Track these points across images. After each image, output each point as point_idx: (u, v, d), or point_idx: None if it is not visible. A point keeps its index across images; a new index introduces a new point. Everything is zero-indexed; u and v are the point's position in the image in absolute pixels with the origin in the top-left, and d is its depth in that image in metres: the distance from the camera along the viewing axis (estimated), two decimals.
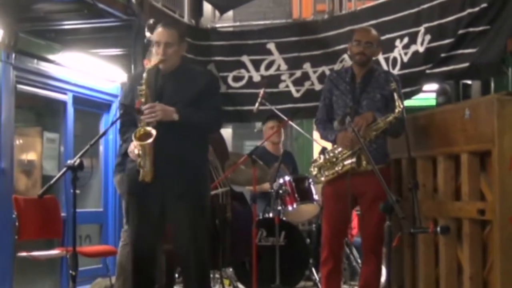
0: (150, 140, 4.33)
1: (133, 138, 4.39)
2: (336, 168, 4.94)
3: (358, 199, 5.00)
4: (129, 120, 4.64)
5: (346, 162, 4.89)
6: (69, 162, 4.06)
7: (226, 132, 9.18)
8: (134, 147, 4.45)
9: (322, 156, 5.03)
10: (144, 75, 4.49)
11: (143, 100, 4.45)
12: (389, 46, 6.24)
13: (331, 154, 4.98)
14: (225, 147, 6.40)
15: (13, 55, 6.60)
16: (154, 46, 4.62)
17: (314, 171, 5.08)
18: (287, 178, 6.57)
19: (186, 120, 4.45)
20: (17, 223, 6.29)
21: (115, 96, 8.24)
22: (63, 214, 7.01)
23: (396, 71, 6.14)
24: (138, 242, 4.56)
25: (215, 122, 4.69)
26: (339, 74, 5.19)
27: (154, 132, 4.34)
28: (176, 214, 4.48)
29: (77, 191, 4.16)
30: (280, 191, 6.39)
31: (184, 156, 4.47)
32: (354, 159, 4.80)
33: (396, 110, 4.79)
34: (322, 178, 5.05)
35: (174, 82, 4.58)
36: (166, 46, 4.55)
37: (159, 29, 4.63)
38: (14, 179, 6.90)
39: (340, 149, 4.94)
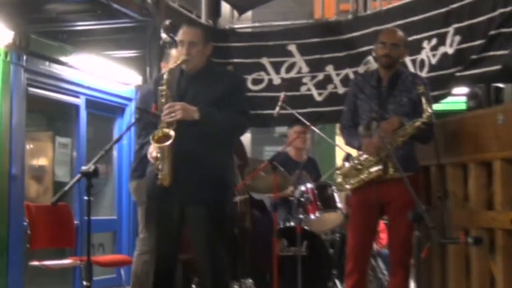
0: (168, 142, 4.32)
1: (151, 140, 4.39)
2: (362, 176, 4.92)
3: (385, 208, 4.98)
4: (151, 123, 4.65)
5: (372, 170, 4.87)
6: (84, 168, 4.08)
7: (245, 137, 9.05)
8: (152, 150, 4.45)
9: (346, 163, 5.02)
10: (165, 75, 4.49)
11: (163, 100, 4.45)
12: (416, 48, 6.21)
13: (356, 161, 4.97)
14: (244, 153, 6.40)
15: (25, 57, 6.65)
16: (178, 46, 4.63)
17: (339, 178, 5.07)
18: (309, 185, 6.54)
19: (208, 120, 4.43)
20: (28, 231, 6.33)
21: (129, 99, 8.27)
22: (75, 222, 7.05)
23: (424, 74, 6.09)
24: (159, 249, 4.56)
25: (240, 125, 4.66)
26: (364, 78, 5.20)
27: (172, 133, 4.34)
28: (195, 221, 4.47)
29: (92, 198, 4.16)
30: (302, 199, 6.34)
31: (205, 159, 4.45)
32: (380, 166, 4.79)
33: (425, 115, 4.76)
34: (347, 186, 5.04)
35: (197, 84, 4.58)
36: (190, 45, 4.55)
37: (183, 28, 4.64)
38: (25, 185, 6.93)
39: (365, 155, 4.92)
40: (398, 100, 4.98)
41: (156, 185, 4.44)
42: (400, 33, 5.12)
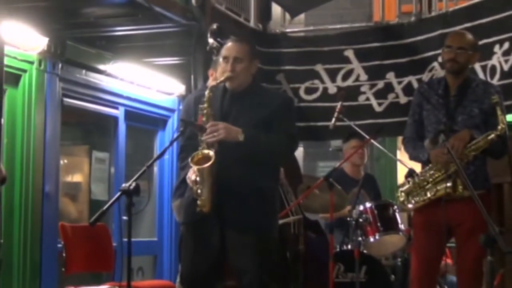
0: (208, 164, 4.34)
1: (189, 162, 4.41)
2: (428, 194, 4.90)
3: (453, 230, 4.95)
4: (190, 145, 4.68)
5: (439, 187, 4.84)
6: (124, 185, 4.11)
7: (297, 152, 9.05)
8: (192, 173, 4.49)
9: (410, 180, 5.00)
10: (207, 92, 4.53)
11: (204, 119, 4.51)
12: (486, 53, 6.15)
13: (421, 177, 4.94)
14: (298, 169, 6.41)
15: (60, 65, 6.76)
16: (222, 61, 4.66)
17: (402, 197, 5.05)
18: (368, 204, 6.50)
19: (252, 142, 4.46)
20: (63, 254, 6.38)
21: (172, 110, 8.31)
22: (114, 244, 7.09)
23: (494, 81, 6.08)
24: (192, 280, 4.59)
25: (287, 150, 4.71)
26: (430, 86, 5.17)
27: (212, 154, 4.37)
28: (238, 249, 4.49)
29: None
30: (361, 220, 6.34)
31: (249, 183, 4.48)
32: (449, 183, 4.76)
33: (499, 127, 4.73)
34: (410, 205, 5.03)
35: (242, 103, 4.62)
36: (235, 61, 4.59)
37: (228, 44, 4.69)
38: (60, 204, 7.01)
39: (432, 171, 4.89)
40: (468, 111, 4.95)
41: (195, 211, 4.46)
42: (469, 36, 5.08)
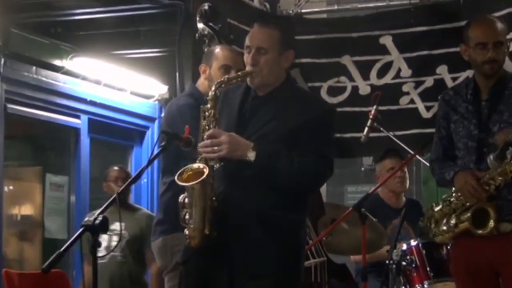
0: (198, 181, 4.32)
1: (176, 177, 4.40)
2: (451, 223, 4.98)
3: (500, 274, 4.95)
4: (177, 167, 4.61)
5: (463, 217, 4.92)
6: (88, 219, 4.05)
7: None
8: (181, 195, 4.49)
9: (441, 203, 5.07)
10: (212, 89, 4.51)
11: (205, 124, 4.49)
12: None
13: (448, 202, 5.03)
14: (319, 196, 6.42)
15: (2, 61, 6.75)
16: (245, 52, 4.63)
17: (431, 224, 5.12)
18: (413, 242, 6.43)
19: (266, 164, 4.42)
20: None
21: (152, 119, 8.35)
22: None
23: None
24: None
25: (317, 176, 4.60)
26: (456, 92, 5.20)
27: (206, 170, 4.34)
28: None
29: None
30: (404, 263, 6.30)
31: (266, 216, 4.44)
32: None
33: None
34: (437, 239, 5.15)
35: (267, 109, 4.57)
36: (258, 52, 4.54)
37: (254, 28, 4.65)
38: (3, 243, 7.00)
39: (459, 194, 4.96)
40: (506, 117, 4.96)
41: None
42: (499, 23, 5.08)
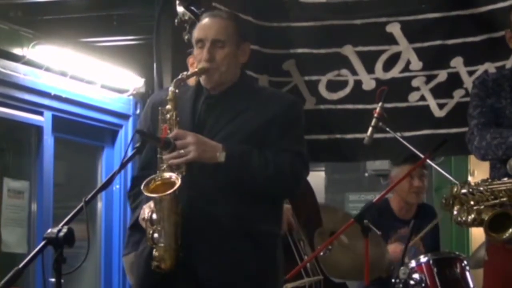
0: (169, 192, 4.27)
1: (142, 188, 4.33)
2: (469, 217, 5.00)
3: None
4: (148, 176, 4.48)
5: (484, 215, 4.94)
6: (51, 231, 3.95)
7: (316, 178, 9.11)
8: (146, 209, 4.44)
9: (466, 187, 5.08)
10: (171, 88, 4.51)
11: (165, 126, 4.49)
12: None
13: (481, 188, 5.02)
14: (315, 205, 6.35)
15: None
16: (195, 46, 4.64)
17: (454, 205, 5.09)
18: (423, 258, 6.48)
19: (238, 164, 4.45)
20: None
21: (126, 117, 8.50)
22: None
23: None
24: None
25: (293, 175, 4.59)
26: (499, 77, 5.28)
27: (178, 179, 4.29)
28: None
29: (62, 280, 3.98)
30: (412, 282, 6.33)
31: (234, 226, 4.45)
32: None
33: None
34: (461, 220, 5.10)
35: (224, 108, 4.61)
36: (214, 46, 4.56)
37: (204, 20, 4.67)
38: None
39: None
40: None
41: (152, 269, 4.40)
42: None
